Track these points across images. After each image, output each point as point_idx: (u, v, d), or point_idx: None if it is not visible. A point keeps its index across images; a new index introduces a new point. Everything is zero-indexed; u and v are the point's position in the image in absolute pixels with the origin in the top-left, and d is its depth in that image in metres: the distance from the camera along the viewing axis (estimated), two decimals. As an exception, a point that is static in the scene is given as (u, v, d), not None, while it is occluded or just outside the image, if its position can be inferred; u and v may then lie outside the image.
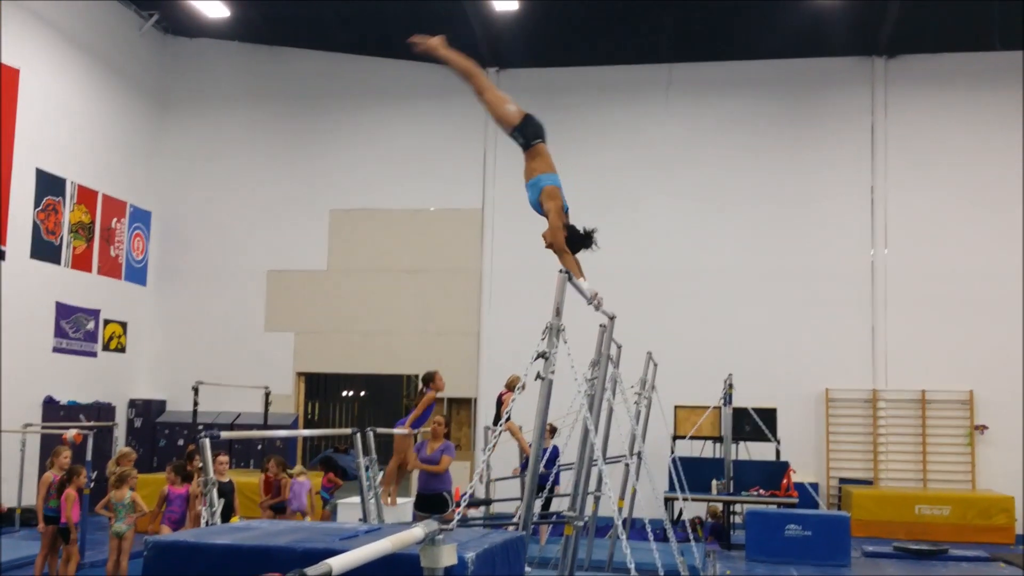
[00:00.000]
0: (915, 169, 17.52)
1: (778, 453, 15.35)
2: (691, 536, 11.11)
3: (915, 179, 17.48)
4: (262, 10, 18.39)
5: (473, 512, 11.01)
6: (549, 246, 6.18)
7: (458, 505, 5.38)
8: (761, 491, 14.15)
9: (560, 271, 5.52)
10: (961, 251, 17.11)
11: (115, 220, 17.98)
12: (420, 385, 11.03)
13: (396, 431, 10.77)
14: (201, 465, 5.66)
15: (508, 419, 7.25)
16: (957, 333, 16.92)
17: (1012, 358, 16.62)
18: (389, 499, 10.93)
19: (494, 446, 12.37)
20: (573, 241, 6.09)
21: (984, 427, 16.74)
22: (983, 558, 13.12)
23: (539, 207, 6.18)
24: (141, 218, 18.85)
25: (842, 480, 16.95)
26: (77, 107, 17.08)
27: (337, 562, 2.08)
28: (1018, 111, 17.22)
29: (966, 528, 15.15)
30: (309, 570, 1.93)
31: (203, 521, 5.41)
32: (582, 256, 6.25)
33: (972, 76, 17.58)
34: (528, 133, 6.28)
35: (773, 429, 15.33)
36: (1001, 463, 16.47)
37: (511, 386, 12.28)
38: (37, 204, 15.88)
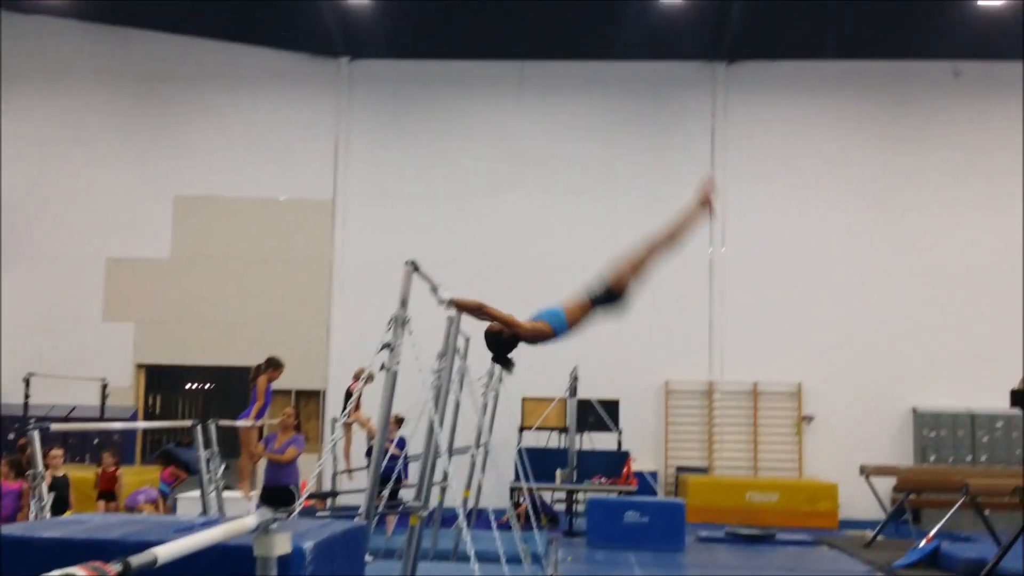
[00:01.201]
0: (750, 171, 18.25)
1: (619, 443, 15.80)
2: (533, 522, 11.33)
3: (750, 181, 18.18)
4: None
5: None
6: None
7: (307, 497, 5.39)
8: (603, 479, 14.55)
9: (406, 263, 5.59)
10: (791, 249, 17.97)
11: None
12: (259, 369, 10.55)
13: (239, 423, 10.58)
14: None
15: (356, 409, 7.26)
16: (787, 327, 17.78)
17: (836, 352, 17.61)
18: (245, 493, 10.75)
19: (347, 436, 12.28)
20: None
21: (811, 417, 17.68)
22: (808, 542, 13.80)
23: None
24: (-31, 201, 17.87)
25: (679, 468, 17.58)
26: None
27: (164, 551, 2.10)
28: (846, 115, 18.35)
29: (793, 513, 15.88)
30: (134, 558, 1.94)
31: (32, 516, 5.25)
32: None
33: (806, 82, 18.53)
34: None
35: (616, 419, 15.79)
36: (825, 452, 17.39)
37: (358, 377, 12.26)
38: None
